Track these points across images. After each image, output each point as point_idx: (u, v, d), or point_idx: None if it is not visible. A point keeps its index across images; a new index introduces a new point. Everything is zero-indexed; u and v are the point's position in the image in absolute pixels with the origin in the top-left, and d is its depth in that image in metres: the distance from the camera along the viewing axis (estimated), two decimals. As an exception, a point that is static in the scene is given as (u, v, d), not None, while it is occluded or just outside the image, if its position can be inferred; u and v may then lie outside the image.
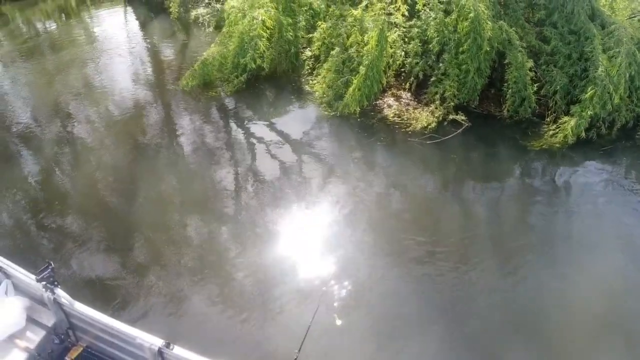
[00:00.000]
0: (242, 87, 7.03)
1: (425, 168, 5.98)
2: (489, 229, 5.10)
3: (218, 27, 9.93)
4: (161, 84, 8.07)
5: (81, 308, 2.60)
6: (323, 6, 7.66)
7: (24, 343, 2.76)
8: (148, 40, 10.84)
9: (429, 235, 4.87)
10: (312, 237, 4.79)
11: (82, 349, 2.81)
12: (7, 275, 2.96)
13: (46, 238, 4.86)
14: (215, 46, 7.63)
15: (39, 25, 16.19)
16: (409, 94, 7.09)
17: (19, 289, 2.98)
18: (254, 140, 6.36)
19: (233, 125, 6.71)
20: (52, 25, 15.78)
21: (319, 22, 7.46)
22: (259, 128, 6.59)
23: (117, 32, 12.17)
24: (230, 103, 7.11)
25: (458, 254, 4.65)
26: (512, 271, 4.53)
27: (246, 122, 6.72)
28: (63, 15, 16.76)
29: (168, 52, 9.87)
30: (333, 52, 6.73)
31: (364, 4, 6.62)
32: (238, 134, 6.52)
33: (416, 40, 6.91)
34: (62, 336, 2.81)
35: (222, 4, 10.62)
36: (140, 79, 8.47)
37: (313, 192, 5.45)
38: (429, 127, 6.35)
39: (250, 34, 6.93)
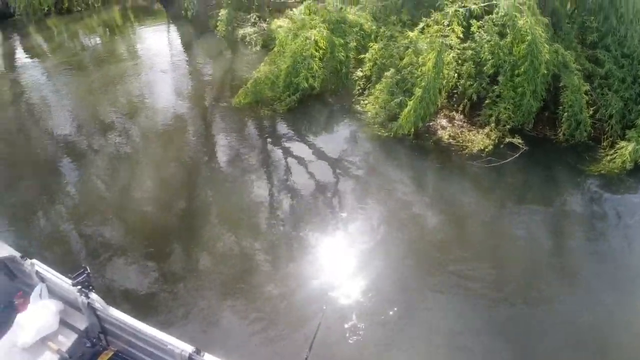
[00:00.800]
0: (294, 106, 7.11)
1: (485, 193, 5.86)
2: (556, 259, 4.93)
3: (265, 46, 10.13)
4: (211, 101, 8.23)
5: (114, 313, 2.64)
6: (374, 27, 7.71)
7: (57, 345, 2.79)
8: (194, 57, 11.10)
9: (489, 267, 4.68)
10: (354, 262, 4.68)
11: (112, 353, 2.86)
12: (43, 279, 3.01)
13: (86, 244, 4.97)
14: (266, 65, 7.75)
15: (84, 40, 16.82)
16: (461, 116, 7.03)
17: (53, 292, 3.03)
18: (305, 158, 6.40)
19: (285, 143, 6.77)
20: (96, 40, 16.38)
21: (371, 43, 7.50)
22: (310, 146, 6.64)
23: (162, 49, 12.50)
24: (282, 121, 7.19)
25: (523, 290, 4.41)
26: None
27: (298, 140, 6.79)
28: (107, 30, 17.34)
29: (216, 70, 10.07)
30: (387, 74, 6.75)
31: (420, 26, 6.62)
32: (289, 151, 6.57)
33: (470, 62, 6.87)
34: (94, 340, 2.85)
35: (269, 24, 10.83)
36: (188, 95, 8.67)
37: (363, 213, 5.36)
38: (486, 150, 6.26)
39: (303, 53, 7.03)
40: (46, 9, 20.55)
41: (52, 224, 5.47)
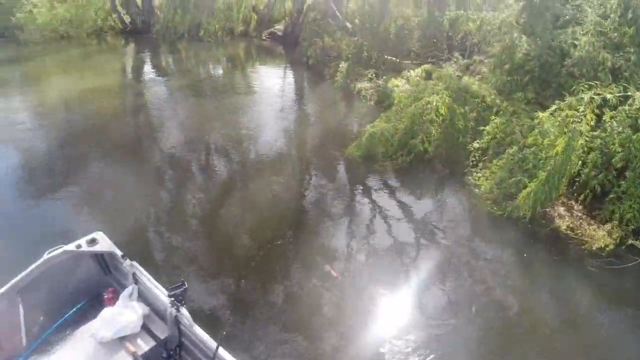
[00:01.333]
0: (404, 166, 7.13)
1: (601, 296, 5.34)
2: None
3: (379, 102, 10.39)
4: (318, 144, 8.49)
5: (197, 331, 2.64)
6: (498, 101, 7.62)
7: (133, 348, 2.82)
8: (308, 101, 11.64)
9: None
10: (418, 342, 4.33)
11: None
12: (137, 281, 3.10)
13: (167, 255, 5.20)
14: (382, 121, 7.92)
15: (208, 68, 18.36)
16: (580, 206, 6.60)
17: (143, 296, 3.09)
18: (402, 219, 6.27)
19: (390, 201, 6.70)
20: (219, 70, 17.77)
21: (492, 116, 7.39)
22: (411, 208, 6.54)
23: (278, 89, 13.27)
24: (390, 179, 7.19)
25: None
26: None
27: (404, 201, 6.69)
28: (230, 63, 18.83)
29: (327, 116, 10.47)
30: (510, 151, 6.57)
31: (552, 108, 6.42)
32: (394, 211, 6.47)
33: (597, 152, 6.51)
34: (171, 352, 2.85)
35: (385, 82, 11.13)
36: (296, 135, 9.05)
37: (446, 290, 5.01)
38: (606, 248, 5.77)
39: (423, 117, 7.11)
40: (180, 33, 22.95)
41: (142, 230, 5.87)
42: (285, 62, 18.56)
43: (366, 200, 6.67)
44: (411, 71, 11.34)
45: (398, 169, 7.15)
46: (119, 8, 29.84)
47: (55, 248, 3.23)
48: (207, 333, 2.74)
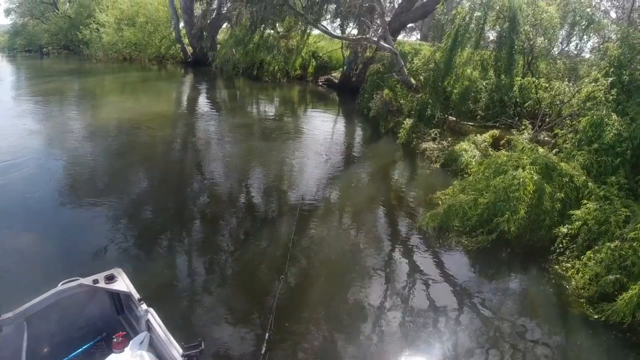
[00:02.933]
0: (483, 247, 6.38)
1: None
2: None
3: (445, 166, 9.82)
4: (380, 208, 7.93)
5: None
6: (591, 184, 6.91)
7: None
8: (365, 156, 11.15)
9: None
10: None
11: None
12: (149, 329, 2.90)
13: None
14: (455, 190, 7.33)
15: (260, 106, 18.39)
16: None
17: (154, 345, 2.88)
18: (494, 317, 5.24)
19: (472, 290, 5.75)
20: (271, 110, 17.75)
21: (584, 200, 6.68)
22: (500, 303, 5.52)
23: (330, 137, 12.93)
24: (470, 260, 6.30)
25: None
26: None
27: (486, 290, 5.75)
28: (283, 105, 18.82)
29: (390, 175, 9.96)
30: (610, 245, 5.80)
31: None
32: (475, 302, 5.51)
33: None
34: None
35: (450, 144, 10.62)
36: (358, 195, 8.50)
37: None
38: None
39: (509, 193, 6.47)
40: (238, 70, 23.46)
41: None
42: (339, 110, 18.45)
43: (444, 286, 5.78)
44: (478, 135, 10.82)
45: (476, 249, 6.36)
46: (184, 39, 31.24)
47: (70, 279, 3.16)
48: None
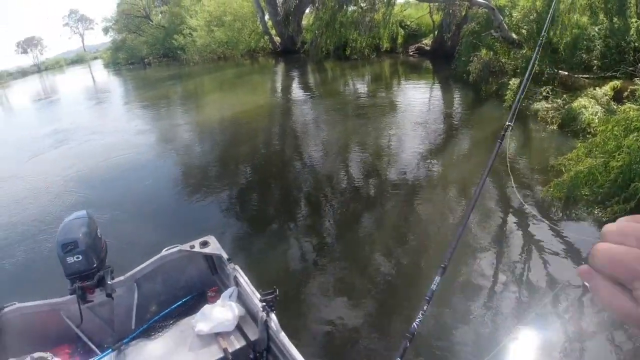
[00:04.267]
0: (619, 216, 5.60)
1: None
2: None
3: (562, 127, 8.91)
4: (497, 181, 7.40)
5: (284, 339, 2.66)
6: None
7: (225, 344, 2.94)
8: (472, 124, 10.51)
9: None
10: None
11: None
12: (237, 284, 3.29)
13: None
14: (580, 154, 6.60)
15: (352, 85, 18.19)
16: None
17: (240, 297, 3.25)
18: None
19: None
20: (363, 88, 17.49)
21: None
22: None
23: (431, 108, 12.37)
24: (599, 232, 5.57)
25: None
26: None
27: None
28: (375, 81, 18.43)
29: (493, 144, 9.25)
30: None
31: None
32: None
33: None
34: (257, 354, 2.93)
35: (566, 101, 9.61)
36: (463, 165, 8.00)
37: None
38: None
39: (647, 154, 5.66)
40: (328, 51, 23.43)
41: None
42: (434, 78, 17.64)
43: (578, 265, 5.35)
44: (596, 89, 9.65)
45: (612, 220, 5.54)
46: (271, 30, 32.01)
47: (172, 247, 3.64)
48: (294, 343, 2.69)
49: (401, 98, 14.13)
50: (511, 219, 6.09)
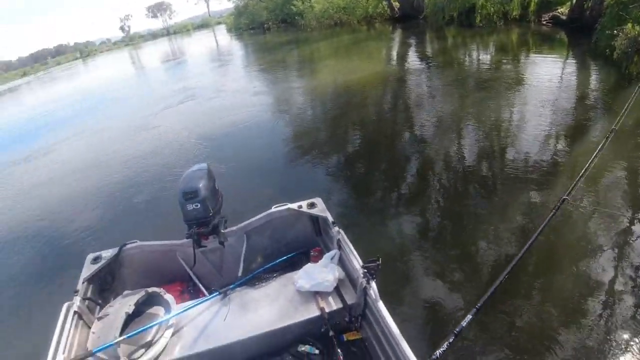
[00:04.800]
0: None
1: None
2: None
3: None
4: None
5: (381, 308, 2.62)
6: None
7: (323, 304, 2.99)
8: (604, 106, 9.23)
9: None
10: None
11: (359, 337, 2.94)
12: (340, 247, 3.31)
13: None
14: None
15: (475, 57, 17.00)
16: None
17: (342, 261, 3.28)
18: None
19: None
20: (486, 58, 16.29)
21: None
22: None
23: (563, 87, 11.10)
24: None
25: None
26: None
27: None
28: (500, 52, 17.00)
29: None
30: None
31: None
32: None
33: None
34: (353, 318, 2.96)
35: None
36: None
37: None
38: None
39: None
40: (451, 17, 22.16)
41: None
42: (568, 52, 15.77)
43: None
44: None
45: None
46: (390, -4, 31.07)
47: (281, 204, 3.75)
48: (390, 314, 2.59)
49: (529, 72, 12.83)
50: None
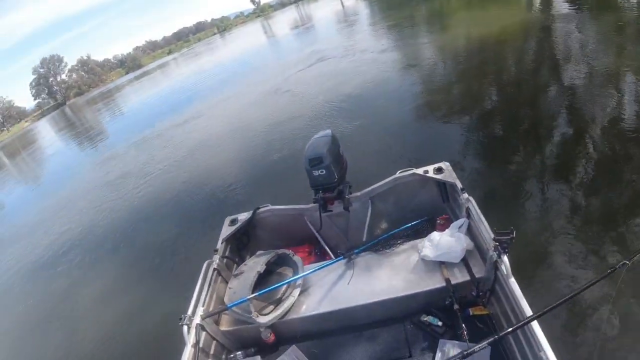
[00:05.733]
0: None
1: None
2: None
3: None
4: None
5: (513, 285, 2.41)
6: None
7: (448, 274, 2.87)
8: None
9: None
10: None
11: (486, 313, 2.76)
12: (469, 215, 3.09)
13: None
14: None
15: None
16: None
17: (470, 230, 3.08)
18: None
19: None
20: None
21: None
22: None
23: None
24: None
25: None
26: None
27: None
28: None
29: None
30: None
31: None
32: None
33: None
34: (480, 293, 2.79)
35: None
36: None
37: None
38: None
39: None
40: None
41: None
42: None
43: None
44: None
45: None
46: None
47: (406, 169, 3.62)
48: (524, 295, 2.35)
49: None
50: None
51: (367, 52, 15.81)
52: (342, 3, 48.69)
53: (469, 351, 1.94)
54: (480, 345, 2.49)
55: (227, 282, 3.30)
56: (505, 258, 2.59)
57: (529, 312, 2.29)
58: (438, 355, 2.63)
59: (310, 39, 26.98)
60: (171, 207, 8.61)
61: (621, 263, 2.04)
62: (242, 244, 3.86)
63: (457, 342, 2.66)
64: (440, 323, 2.81)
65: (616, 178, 4.99)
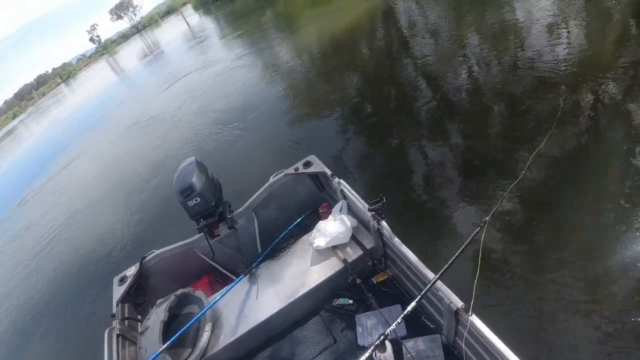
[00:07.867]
0: None
1: None
2: None
3: None
4: None
5: (398, 244, 2.65)
6: None
7: (343, 255, 3.06)
8: None
9: None
10: None
11: (387, 277, 3.01)
12: (345, 197, 3.31)
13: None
14: None
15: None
16: None
17: (351, 210, 3.29)
18: None
19: None
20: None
21: None
22: None
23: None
24: None
25: None
26: None
27: None
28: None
29: None
30: None
31: None
32: None
33: None
34: (375, 261, 3.03)
35: None
36: None
37: None
38: None
39: None
40: None
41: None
42: None
43: None
44: None
45: None
46: None
47: (278, 172, 3.72)
48: (410, 248, 2.60)
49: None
50: None
51: (222, 62, 15.72)
52: (187, 22, 47.59)
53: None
54: (389, 308, 2.74)
55: (135, 343, 3.06)
56: (384, 223, 2.79)
57: (416, 260, 2.49)
58: (358, 330, 2.78)
59: (163, 64, 25.93)
60: (51, 288, 7.62)
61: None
62: (139, 299, 3.59)
63: (370, 312, 2.83)
64: (351, 301, 2.95)
65: (471, 134, 5.45)
